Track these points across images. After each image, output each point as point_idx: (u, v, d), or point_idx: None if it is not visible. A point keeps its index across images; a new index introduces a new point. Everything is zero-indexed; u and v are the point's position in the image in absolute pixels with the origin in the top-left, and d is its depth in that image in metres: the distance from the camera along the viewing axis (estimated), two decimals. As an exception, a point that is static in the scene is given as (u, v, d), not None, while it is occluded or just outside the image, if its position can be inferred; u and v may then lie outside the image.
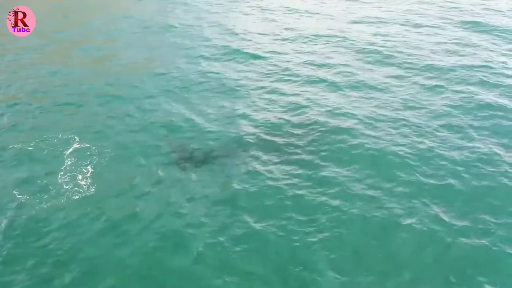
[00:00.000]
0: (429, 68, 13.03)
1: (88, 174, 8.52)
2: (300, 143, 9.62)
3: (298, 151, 9.36)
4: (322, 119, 10.54)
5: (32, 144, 9.53)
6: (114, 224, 7.38)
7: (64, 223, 7.41)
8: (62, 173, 8.56)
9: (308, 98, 11.56)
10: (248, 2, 20.21)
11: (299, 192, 8.10)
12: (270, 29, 16.74)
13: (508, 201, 7.96)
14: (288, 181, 8.40)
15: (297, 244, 7.00)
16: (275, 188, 8.20)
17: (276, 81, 12.63)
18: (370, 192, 8.12)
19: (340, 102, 11.35)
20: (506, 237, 7.20)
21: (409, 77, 12.57)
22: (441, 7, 18.73)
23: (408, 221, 7.47)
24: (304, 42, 15.48)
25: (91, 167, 8.72)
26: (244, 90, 12.05)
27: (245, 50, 14.63)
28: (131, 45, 15.44)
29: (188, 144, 9.65)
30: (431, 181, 8.39)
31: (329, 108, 11.04)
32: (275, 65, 13.61)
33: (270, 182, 8.38)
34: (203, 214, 7.63)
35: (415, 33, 15.87)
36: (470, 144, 9.47)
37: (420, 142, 9.58)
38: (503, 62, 13.27)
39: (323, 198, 7.95)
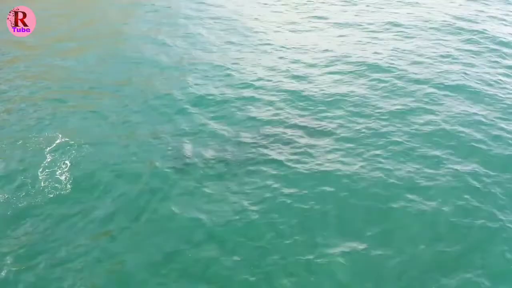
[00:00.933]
0: (414, 77, 13.02)
1: (68, 173, 8.90)
2: (270, 158, 9.69)
3: (268, 166, 9.42)
4: (296, 133, 10.57)
5: (18, 143, 9.93)
6: (84, 235, 7.69)
7: (38, 225, 7.81)
8: (41, 170, 8.97)
9: (284, 109, 11.61)
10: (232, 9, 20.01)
11: (261, 214, 8.15)
12: (253, 39, 16.61)
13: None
14: (253, 199, 8.52)
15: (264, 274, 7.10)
16: (238, 209, 8.26)
17: (254, 91, 12.60)
18: (340, 218, 8.13)
19: (316, 115, 11.36)
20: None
21: (392, 87, 12.60)
22: (429, 9, 18.87)
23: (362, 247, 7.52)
24: (287, 50, 15.46)
25: (70, 164, 9.15)
26: (219, 101, 12.04)
27: (225, 60, 14.55)
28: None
29: (172, 150, 9.94)
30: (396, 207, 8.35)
31: (305, 120, 11.08)
32: (254, 74, 13.59)
33: (237, 200, 8.49)
34: (171, 228, 7.87)
35: (401, 42, 15.94)
36: (449, 166, 9.39)
37: (397, 159, 9.56)
38: (492, 73, 13.36)
39: (281, 223, 7.99)
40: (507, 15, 18.24)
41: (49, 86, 12.82)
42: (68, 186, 8.63)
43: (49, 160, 9.32)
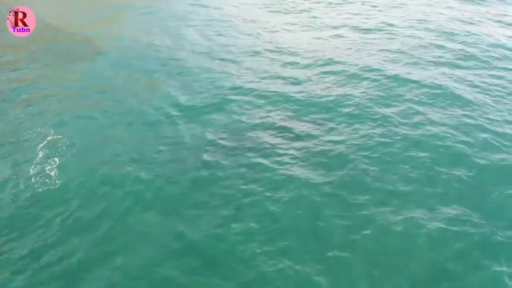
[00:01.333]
0: (405, 79, 12.98)
1: (58, 170, 9.16)
2: (256, 162, 9.71)
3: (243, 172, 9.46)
4: (283, 136, 10.60)
5: (12, 141, 10.23)
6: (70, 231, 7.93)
7: (26, 223, 8.04)
8: (33, 167, 9.24)
9: (272, 111, 11.64)
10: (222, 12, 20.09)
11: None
12: (246, 41, 16.67)
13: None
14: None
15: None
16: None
17: (244, 93, 12.63)
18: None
19: (306, 116, 11.41)
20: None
21: (382, 89, 12.60)
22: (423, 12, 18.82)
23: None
24: (279, 52, 15.49)
25: (60, 163, 9.39)
26: (208, 104, 12.09)
27: (216, 63, 14.63)
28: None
29: (158, 153, 10.07)
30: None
31: (293, 123, 11.13)
32: (245, 76, 13.62)
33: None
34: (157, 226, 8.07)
35: (394, 42, 15.95)
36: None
37: (384, 162, 9.59)
38: (484, 75, 13.37)
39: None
40: (503, 15, 18.26)
41: (44, 87, 13.09)
42: (58, 182, 8.88)
43: (40, 156, 9.58)
